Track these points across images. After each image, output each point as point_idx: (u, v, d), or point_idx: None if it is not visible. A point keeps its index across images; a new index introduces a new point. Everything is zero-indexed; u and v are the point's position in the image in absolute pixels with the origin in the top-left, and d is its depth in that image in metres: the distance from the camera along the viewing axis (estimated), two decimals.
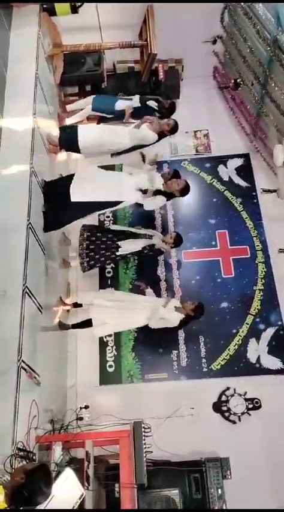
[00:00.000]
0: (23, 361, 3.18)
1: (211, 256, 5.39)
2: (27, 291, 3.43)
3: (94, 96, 5.10)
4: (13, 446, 2.87)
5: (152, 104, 4.92)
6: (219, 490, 3.99)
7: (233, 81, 5.81)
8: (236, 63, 5.78)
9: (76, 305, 4.75)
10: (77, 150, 4.59)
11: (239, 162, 5.98)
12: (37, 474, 2.27)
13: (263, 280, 5.23)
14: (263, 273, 5.27)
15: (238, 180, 5.86)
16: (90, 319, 4.51)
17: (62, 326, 4.61)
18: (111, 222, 5.63)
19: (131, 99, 4.94)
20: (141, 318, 4.45)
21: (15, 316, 3.25)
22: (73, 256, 4.94)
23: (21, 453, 2.89)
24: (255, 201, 5.70)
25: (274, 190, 5.20)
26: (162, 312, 4.34)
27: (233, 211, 5.66)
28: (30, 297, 3.49)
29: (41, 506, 2.40)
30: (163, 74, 6.01)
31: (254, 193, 5.74)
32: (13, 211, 3.66)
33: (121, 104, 4.92)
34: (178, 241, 4.81)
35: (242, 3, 5.10)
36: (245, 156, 5.99)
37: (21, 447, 2.92)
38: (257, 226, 5.54)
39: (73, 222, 4.49)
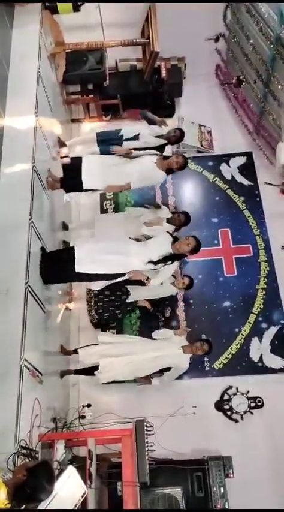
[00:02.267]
0: (25, 359, 3.18)
1: (213, 255, 5.38)
2: (30, 289, 3.43)
3: (96, 133, 4.80)
4: (16, 444, 2.87)
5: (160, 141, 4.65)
6: (222, 489, 3.99)
7: (236, 78, 5.79)
8: (239, 61, 5.77)
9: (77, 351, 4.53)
10: (80, 188, 4.38)
11: (242, 160, 5.96)
12: (39, 471, 2.27)
13: (266, 279, 5.22)
14: (266, 271, 5.26)
15: (240, 179, 5.84)
16: (94, 367, 4.33)
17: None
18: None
19: (137, 138, 4.65)
20: (147, 369, 4.34)
21: (17, 315, 3.25)
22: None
23: (24, 451, 2.90)
24: (258, 199, 5.69)
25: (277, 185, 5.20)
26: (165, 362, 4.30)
27: (236, 210, 5.65)
28: (32, 295, 3.49)
29: (43, 504, 2.41)
30: (165, 72, 5.98)
31: (257, 192, 5.73)
32: (15, 210, 3.66)
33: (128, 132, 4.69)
34: (190, 286, 4.67)
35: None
36: (248, 155, 5.98)
37: (24, 445, 2.93)
38: (260, 225, 5.53)
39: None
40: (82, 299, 4.91)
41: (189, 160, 5.85)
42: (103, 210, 5.63)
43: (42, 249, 3.96)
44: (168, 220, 4.73)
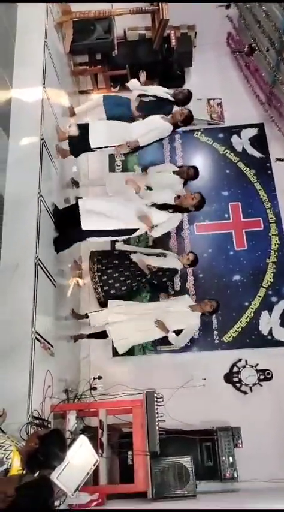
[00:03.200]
0: (37, 332, 3.22)
1: (223, 229, 5.34)
2: (40, 263, 3.44)
3: (103, 97, 4.68)
4: (28, 414, 2.94)
5: (166, 95, 4.54)
6: (230, 458, 4.08)
7: (248, 46, 5.61)
8: (251, 28, 5.57)
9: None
10: (89, 149, 4.34)
11: (253, 132, 5.83)
12: (51, 439, 2.33)
13: (277, 253, 5.18)
14: (277, 245, 5.22)
15: (252, 151, 5.73)
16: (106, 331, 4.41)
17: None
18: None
19: (145, 95, 4.54)
20: (156, 334, 4.38)
21: (28, 289, 3.27)
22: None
23: (37, 421, 2.97)
24: (269, 172, 5.59)
25: None
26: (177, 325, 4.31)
27: (246, 183, 5.56)
28: (42, 269, 3.51)
29: (56, 471, 2.48)
30: (175, 41, 5.82)
31: (268, 165, 5.62)
32: (24, 183, 3.63)
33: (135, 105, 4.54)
34: (194, 263, 4.65)
35: None
36: (260, 126, 5.83)
37: (36, 416, 3.00)
38: (271, 198, 5.45)
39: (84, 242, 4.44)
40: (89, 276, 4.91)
41: (199, 132, 5.79)
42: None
43: (55, 207, 4.02)
44: (175, 172, 4.75)
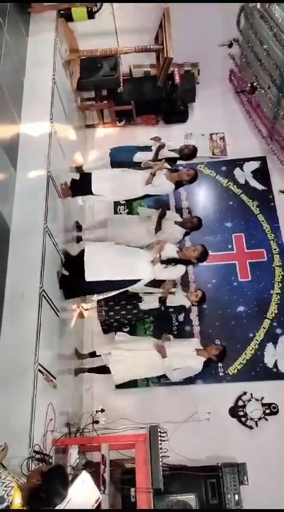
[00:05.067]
0: (39, 364, 3.20)
1: (227, 260, 5.36)
2: (44, 293, 3.46)
3: (110, 150, 4.80)
4: (30, 449, 2.89)
5: (171, 154, 4.70)
6: (236, 496, 3.95)
7: (249, 85, 5.78)
8: (252, 66, 5.76)
9: (93, 355, 4.59)
10: (90, 192, 4.47)
11: (255, 165, 5.93)
12: (53, 475, 2.28)
13: (281, 284, 5.17)
14: (281, 276, 5.22)
15: (254, 183, 5.81)
16: (107, 366, 4.37)
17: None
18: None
19: (151, 149, 4.68)
20: (160, 368, 4.33)
21: (32, 319, 3.28)
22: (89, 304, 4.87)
23: (38, 456, 2.91)
24: (272, 204, 5.65)
25: None
26: (178, 364, 4.25)
27: (249, 215, 5.62)
28: (47, 300, 3.52)
29: (58, 508, 2.41)
30: (179, 78, 6.00)
31: (271, 197, 5.69)
32: (31, 215, 3.70)
33: (140, 156, 4.65)
34: (203, 300, 4.65)
35: (258, 6, 5.09)
36: (262, 159, 5.95)
37: (38, 450, 2.94)
38: (274, 230, 5.49)
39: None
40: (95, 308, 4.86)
41: (203, 165, 5.89)
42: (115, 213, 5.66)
43: (66, 252, 4.14)
44: (178, 223, 4.77)
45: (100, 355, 4.46)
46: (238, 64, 6.30)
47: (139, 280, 4.11)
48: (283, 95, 5.16)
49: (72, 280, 4.10)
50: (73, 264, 4.14)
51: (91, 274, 3.98)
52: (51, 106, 4.26)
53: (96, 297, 4.37)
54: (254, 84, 5.65)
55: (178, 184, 4.56)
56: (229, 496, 3.95)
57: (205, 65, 6.31)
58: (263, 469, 4.23)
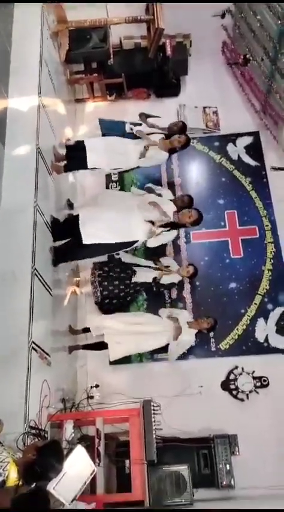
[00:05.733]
0: (33, 342, 3.22)
1: (220, 237, 5.36)
2: (36, 272, 3.44)
3: (99, 119, 4.75)
4: (25, 424, 2.93)
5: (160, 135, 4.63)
6: (227, 466, 4.07)
7: (242, 57, 5.67)
8: (245, 37, 5.63)
9: (86, 330, 4.65)
10: (85, 166, 4.42)
11: (248, 140, 5.87)
12: (48, 450, 2.32)
13: (272, 261, 5.20)
14: (272, 253, 5.24)
15: (247, 159, 5.76)
16: (101, 343, 4.45)
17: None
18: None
19: (140, 124, 4.66)
20: (154, 343, 4.44)
21: (25, 298, 3.27)
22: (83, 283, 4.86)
23: (33, 431, 2.96)
24: (264, 180, 5.62)
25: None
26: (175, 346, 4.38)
27: (242, 191, 5.59)
28: (38, 278, 3.51)
29: (53, 482, 2.47)
30: (170, 50, 5.86)
31: (263, 173, 5.66)
32: (20, 192, 3.64)
33: (132, 127, 4.62)
34: (194, 275, 4.72)
35: None
36: (255, 134, 5.88)
37: (33, 425, 2.98)
38: (266, 206, 5.48)
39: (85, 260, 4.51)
40: (88, 284, 4.84)
41: (195, 141, 5.81)
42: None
43: (53, 218, 4.07)
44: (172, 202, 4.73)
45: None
46: (230, 36, 6.15)
47: (135, 241, 4.17)
48: (276, 68, 5.07)
49: (65, 245, 4.09)
50: (65, 230, 4.12)
51: (88, 237, 3.98)
52: (39, 79, 4.15)
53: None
54: (247, 56, 5.55)
55: (171, 151, 4.53)
56: (220, 466, 4.06)
57: (197, 37, 6.13)
58: (254, 440, 4.33)
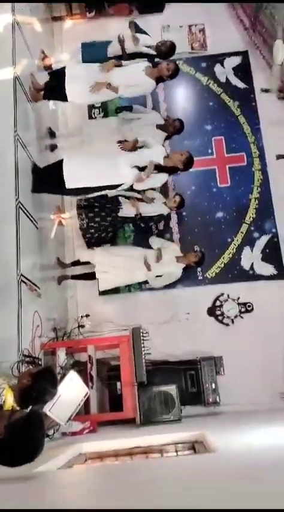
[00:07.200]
0: (22, 275, 3.24)
1: (207, 165, 5.26)
2: (21, 205, 3.39)
3: (81, 44, 4.41)
4: (19, 353, 3.03)
5: (147, 50, 4.32)
6: (213, 385, 4.33)
7: None
8: None
9: (75, 263, 4.67)
10: (64, 99, 4.14)
11: (237, 60, 5.57)
12: (43, 375, 2.42)
13: (259, 189, 5.17)
14: (260, 181, 5.19)
15: (235, 81, 5.51)
16: (90, 273, 4.51)
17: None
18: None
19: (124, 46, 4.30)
20: (141, 274, 4.49)
21: (10, 232, 3.25)
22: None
23: (27, 359, 3.07)
24: (253, 104, 5.42)
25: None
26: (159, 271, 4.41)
27: (230, 116, 5.41)
28: (24, 211, 3.46)
29: (49, 405, 2.61)
30: None
31: (252, 96, 5.44)
32: None
33: (115, 51, 4.29)
34: (181, 205, 4.67)
35: None
36: (244, 54, 5.57)
37: (27, 354, 3.09)
38: (254, 132, 5.34)
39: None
40: (75, 217, 4.80)
41: (181, 62, 5.48)
42: (92, 119, 5.35)
43: (34, 165, 3.89)
44: (160, 127, 4.59)
45: (84, 263, 4.57)
46: None
47: (120, 184, 4.04)
48: None
49: (49, 182, 3.97)
50: (47, 175, 3.96)
51: (71, 182, 3.88)
52: None
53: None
54: None
55: (159, 80, 4.24)
56: (207, 385, 4.32)
57: None
58: (238, 361, 4.57)
